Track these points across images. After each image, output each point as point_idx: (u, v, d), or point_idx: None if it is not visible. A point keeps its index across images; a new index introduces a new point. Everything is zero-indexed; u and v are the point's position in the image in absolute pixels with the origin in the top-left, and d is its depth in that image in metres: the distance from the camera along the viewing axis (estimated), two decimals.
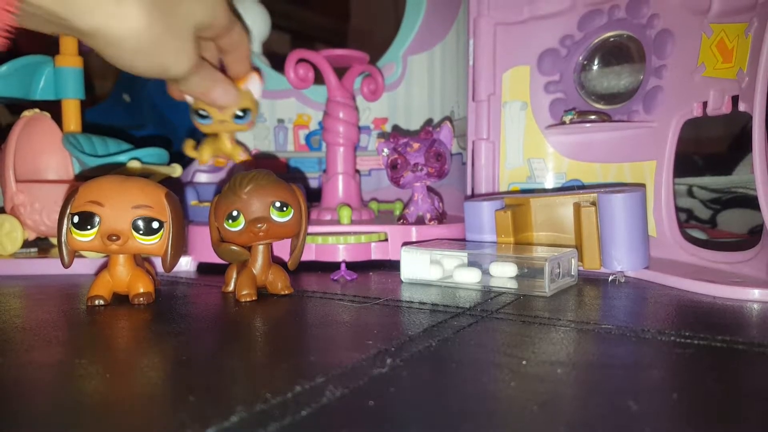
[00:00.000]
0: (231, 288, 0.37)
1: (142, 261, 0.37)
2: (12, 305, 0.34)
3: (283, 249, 0.39)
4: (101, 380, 0.22)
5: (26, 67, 0.51)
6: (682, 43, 0.43)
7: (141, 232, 0.33)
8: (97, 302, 0.33)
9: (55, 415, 0.18)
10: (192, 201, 0.51)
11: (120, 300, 0.35)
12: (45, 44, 0.53)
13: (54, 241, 0.51)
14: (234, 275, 0.37)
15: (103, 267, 0.36)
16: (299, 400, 0.19)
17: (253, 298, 0.34)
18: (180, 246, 0.34)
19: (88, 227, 0.32)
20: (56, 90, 0.52)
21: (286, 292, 0.36)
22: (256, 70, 0.51)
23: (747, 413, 0.19)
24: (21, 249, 0.48)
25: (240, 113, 0.49)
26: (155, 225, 0.33)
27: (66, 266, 0.34)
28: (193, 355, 0.25)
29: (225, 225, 0.35)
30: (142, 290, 0.34)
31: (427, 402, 0.19)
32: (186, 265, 0.45)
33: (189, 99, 0.50)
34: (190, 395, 0.20)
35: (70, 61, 0.52)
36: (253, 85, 0.51)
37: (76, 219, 0.32)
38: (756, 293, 0.33)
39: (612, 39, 0.47)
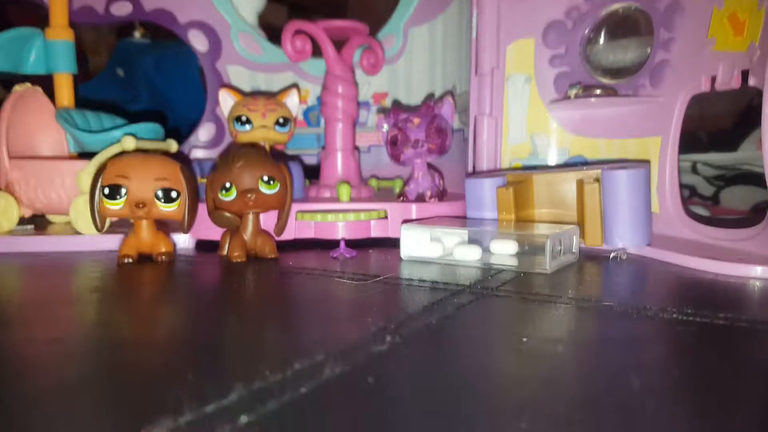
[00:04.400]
0: (225, 252, 0.41)
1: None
2: (9, 283, 0.34)
3: (271, 225, 0.41)
4: (100, 358, 0.21)
5: (15, 39, 0.49)
6: (693, 16, 0.42)
7: (162, 200, 0.38)
8: (126, 260, 0.39)
9: (55, 393, 0.18)
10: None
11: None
12: (36, 17, 0.52)
13: (50, 218, 0.51)
14: (227, 240, 0.41)
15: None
16: (298, 377, 0.19)
17: (243, 260, 0.39)
18: (195, 211, 0.40)
19: (117, 197, 0.37)
20: (47, 64, 0.51)
21: (273, 256, 0.40)
22: (296, 86, 0.51)
23: (748, 390, 0.19)
24: (17, 226, 0.47)
25: (281, 120, 0.49)
26: (174, 194, 0.38)
27: (100, 231, 0.39)
28: (191, 332, 0.25)
29: (219, 195, 0.39)
30: (163, 249, 0.40)
31: (426, 379, 0.19)
32: (184, 242, 0.45)
33: (227, 103, 0.50)
34: (188, 373, 0.20)
35: (60, 34, 0.51)
36: (292, 99, 0.51)
37: (106, 191, 0.37)
38: (759, 270, 0.33)
39: (620, 11, 0.46)
